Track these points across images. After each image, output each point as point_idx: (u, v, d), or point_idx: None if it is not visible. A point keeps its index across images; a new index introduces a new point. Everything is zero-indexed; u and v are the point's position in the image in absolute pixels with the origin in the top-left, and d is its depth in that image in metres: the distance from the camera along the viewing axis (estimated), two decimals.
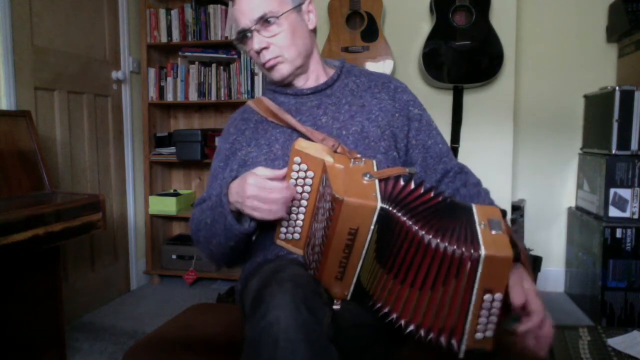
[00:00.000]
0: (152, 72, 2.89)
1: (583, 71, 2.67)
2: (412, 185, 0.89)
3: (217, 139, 2.78)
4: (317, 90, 1.17)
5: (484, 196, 1.11)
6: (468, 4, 2.36)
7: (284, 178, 0.98)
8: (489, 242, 0.80)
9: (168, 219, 3.12)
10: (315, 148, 0.97)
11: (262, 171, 0.97)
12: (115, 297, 2.72)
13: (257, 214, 0.96)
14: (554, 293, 2.73)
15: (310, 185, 0.97)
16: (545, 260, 2.63)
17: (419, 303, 0.84)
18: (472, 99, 2.53)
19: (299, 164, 0.97)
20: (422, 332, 0.85)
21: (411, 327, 0.85)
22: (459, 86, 2.47)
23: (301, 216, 1.00)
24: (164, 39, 2.85)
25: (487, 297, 0.80)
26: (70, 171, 2.38)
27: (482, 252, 0.78)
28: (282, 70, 1.13)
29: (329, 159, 0.94)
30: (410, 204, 0.86)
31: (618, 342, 1.63)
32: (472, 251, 0.79)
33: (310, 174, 0.97)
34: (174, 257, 2.95)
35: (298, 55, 1.12)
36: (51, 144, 2.26)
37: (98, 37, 2.60)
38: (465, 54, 2.37)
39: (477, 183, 1.15)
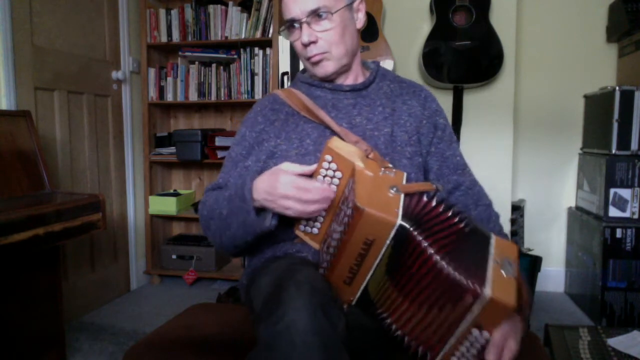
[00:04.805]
0: (152, 72, 2.89)
1: (583, 71, 2.67)
2: (440, 207, 0.87)
3: (217, 139, 2.78)
4: (354, 89, 1.16)
5: (494, 220, 1.12)
6: (468, 4, 2.36)
7: (312, 174, 0.97)
8: (496, 284, 0.79)
9: (168, 219, 3.12)
10: (348, 150, 0.97)
11: (289, 166, 0.96)
12: (115, 297, 2.72)
13: (289, 213, 0.95)
14: (554, 293, 2.73)
15: (337, 186, 0.97)
16: (545, 260, 2.62)
17: (413, 316, 0.85)
18: (472, 99, 2.53)
19: (329, 162, 0.97)
20: (406, 339, 0.86)
21: (399, 333, 0.87)
22: (459, 86, 2.47)
23: (323, 212, 0.99)
24: (164, 39, 2.85)
25: (475, 331, 0.81)
26: (70, 171, 2.38)
27: (487, 292, 0.77)
28: (328, 67, 1.11)
29: (359, 164, 0.93)
30: (432, 227, 0.85)
31: (618, 342, 1.63)
32: (476, 287, 0.78)
33: (338, 174, 0.96)
34: (174, 257, 2.95)
35: (345, 53, 1.11)
36: (51, 144, 2.26)
37: (98, 37, 2.60)
38: (465, 53, 2.37)
39: (489, 205, 1.15)
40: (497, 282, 0.79)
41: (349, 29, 1.11)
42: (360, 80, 1.19)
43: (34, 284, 1.75)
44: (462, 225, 0.87)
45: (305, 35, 1.07)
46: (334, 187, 0.97)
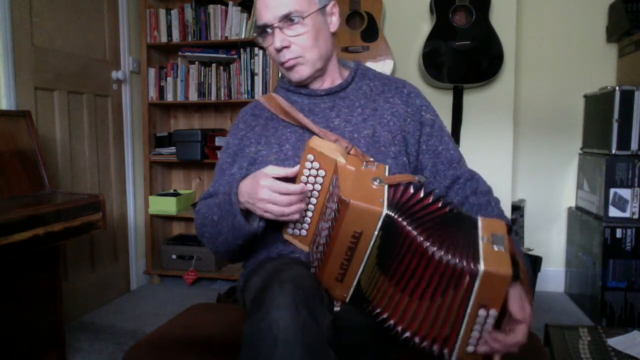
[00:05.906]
0: (152, 72, 2.89)
1: (583, 71, 2.67)
2: (422, 194, 0.88)
3: (216, 139, 2.78)
4: (331, 92, 1.15)
5: (494, 205, 1.10)
6: (468, 4, 2.36)
7: (295, 176, 0.98)
8: (489, 258, 0.79)
9: (168, 219, 3.12)
10: (329, 147, 0.97)
11: (272, 170, 0.97)
12: (115, 297, 2.72)
13: (269, 216, 0.96)
14: (554, 293, 2.73)
15: (321, 184, 0.97)
16: (545, 260, 2.62)
17: (417, 311, 0.84)
18: (472, 99, 2.53)
19: (312, 162, 0.97)
20: (416, 340, 0.85)
21: (407, 334, 0.86)
22: (459, 86, 2.47)
23: (309, 213, 1.00)
24: (164, 39, 2.85)
25: (481, 312, 0.80)
26: (70, 171, 2.38)
27: (481, 267, 0.78)
28: (302, 72, 1.11)
29: (341, 160, 0.94)
30: (417, 214, 0.85)
31: (618, 342, 1.63)
32: (471, 265, 0.79)
33: (321, 172, 0.97)
34: (174, 257, 2.95)
35: (319, 57, 1.11)
36: (51, 144, 2.26)
37: (98, 37, 2.60)
38: (465, 53, 2.37)
39: (488, 191, 1.14)
40: (489, 256, 0.80)
41: (323, 33, 1.10)
42: (338, 82, 1.17)
43: (34, 284, 1.75)
44: (446, 210, 0.88)
45: (278, 40, 1.07)
46: (318, 186, 0.98)
